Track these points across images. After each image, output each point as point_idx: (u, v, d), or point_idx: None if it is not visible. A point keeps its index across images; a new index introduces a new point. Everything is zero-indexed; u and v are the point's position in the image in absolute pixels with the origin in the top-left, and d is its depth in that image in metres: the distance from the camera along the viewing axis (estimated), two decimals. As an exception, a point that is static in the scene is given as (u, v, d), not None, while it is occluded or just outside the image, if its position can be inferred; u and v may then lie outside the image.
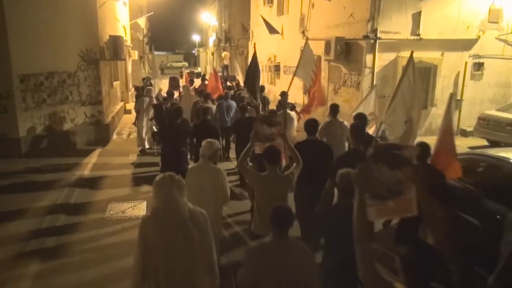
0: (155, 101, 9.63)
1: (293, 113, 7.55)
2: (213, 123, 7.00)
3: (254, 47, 8.28)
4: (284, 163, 4.95)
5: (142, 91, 10.68)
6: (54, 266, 4.69)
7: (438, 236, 2.24)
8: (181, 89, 11.58)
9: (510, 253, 2.83)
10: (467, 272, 3.85)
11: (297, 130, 7.43)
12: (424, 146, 4.22)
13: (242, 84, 11.82)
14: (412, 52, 5.11)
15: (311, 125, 4.89)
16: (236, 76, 14.21)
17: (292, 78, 7.69)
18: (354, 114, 6.15)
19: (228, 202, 4.36)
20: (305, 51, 7.61)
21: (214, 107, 8.80)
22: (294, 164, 3.98)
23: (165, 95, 10.29)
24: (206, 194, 3.98)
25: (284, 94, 7.50)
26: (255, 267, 2.53)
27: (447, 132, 4.63)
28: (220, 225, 4.45)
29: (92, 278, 4.46)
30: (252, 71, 7.79)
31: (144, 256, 2.62)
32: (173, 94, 10.63)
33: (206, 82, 14.57)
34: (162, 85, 13.45)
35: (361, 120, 5.65)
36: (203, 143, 4.26)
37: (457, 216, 4.29)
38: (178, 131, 6.07)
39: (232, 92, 11.22)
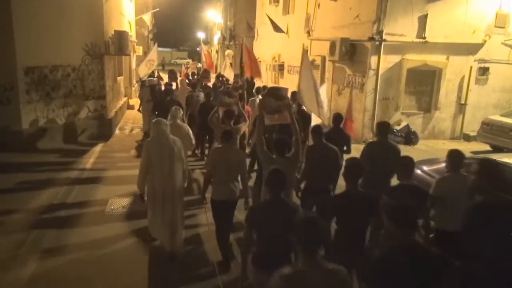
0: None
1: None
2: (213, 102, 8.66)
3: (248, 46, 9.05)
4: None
5: (145, 82, 11.76)
6: (53, 260, 4.69)
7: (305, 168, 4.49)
8: (178, 82, 13.41)
9: None
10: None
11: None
12: (339, 116, 6.06)
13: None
14: (305, 48, 8.07)
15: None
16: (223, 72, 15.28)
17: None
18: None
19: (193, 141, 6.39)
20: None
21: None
22: (242, 121, 6.46)
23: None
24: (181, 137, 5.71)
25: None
26: (214, 157, 4.58)
27: (350, 106, 7.30)
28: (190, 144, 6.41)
29: (91, 273, 4.45)
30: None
31: (147, 160, 4.61)
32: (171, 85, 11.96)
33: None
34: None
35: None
36: (172, 108, 6.27)
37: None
38: (167, 106, 7.51)
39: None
